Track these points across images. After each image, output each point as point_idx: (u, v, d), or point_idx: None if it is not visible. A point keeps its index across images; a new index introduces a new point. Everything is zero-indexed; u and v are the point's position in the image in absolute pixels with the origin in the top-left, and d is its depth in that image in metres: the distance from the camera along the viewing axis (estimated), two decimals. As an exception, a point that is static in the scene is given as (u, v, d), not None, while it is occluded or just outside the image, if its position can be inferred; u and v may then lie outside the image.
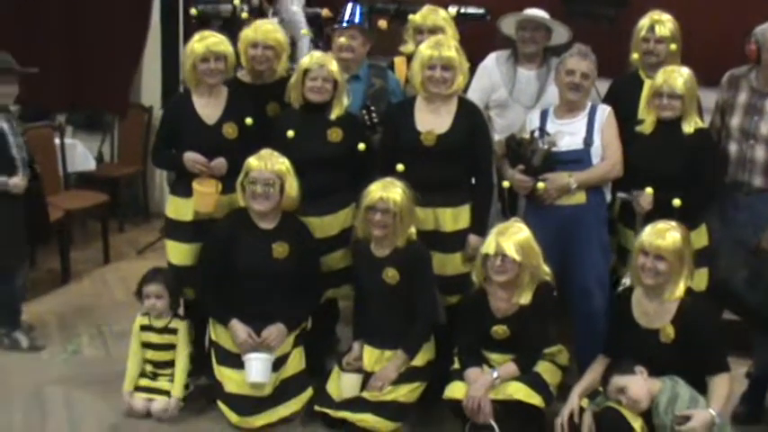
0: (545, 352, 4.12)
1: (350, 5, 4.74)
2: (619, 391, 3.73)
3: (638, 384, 3.70)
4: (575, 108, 4.37)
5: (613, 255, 4.47)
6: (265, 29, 4.60)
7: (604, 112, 4.39)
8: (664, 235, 3.75)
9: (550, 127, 4.36)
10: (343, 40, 4.65)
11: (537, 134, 4.33)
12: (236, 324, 4.22)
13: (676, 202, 4.09)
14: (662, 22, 4.53)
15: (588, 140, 4.33)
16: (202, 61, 4.35)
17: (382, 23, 4.88)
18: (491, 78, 4.77)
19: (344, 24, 4.69)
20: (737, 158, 4.50)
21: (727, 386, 3.75)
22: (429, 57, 4.23)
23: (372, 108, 4.53)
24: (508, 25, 4.80)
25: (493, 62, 4.82)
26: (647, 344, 3.80)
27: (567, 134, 4.33)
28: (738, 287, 4.34)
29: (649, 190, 4.17)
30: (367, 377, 4.19)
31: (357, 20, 4.69)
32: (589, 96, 4.46)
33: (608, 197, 4.40)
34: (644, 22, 4.56)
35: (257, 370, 4.14)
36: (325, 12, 5.16)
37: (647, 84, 4.44)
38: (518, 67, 4.75)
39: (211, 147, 4.36)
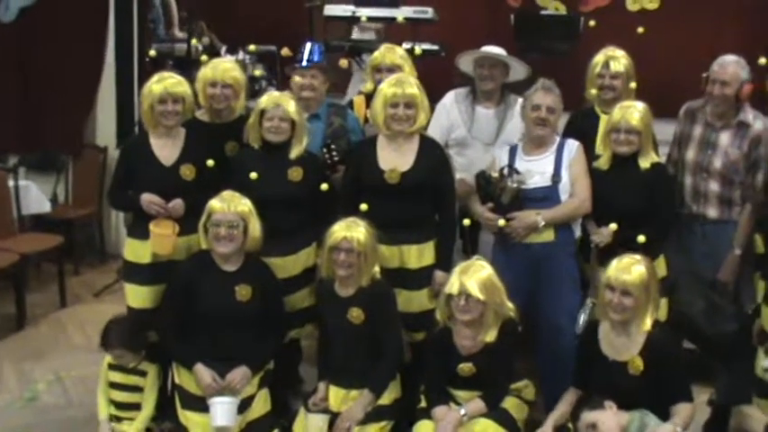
0: (511, 387, 4.12)
1: (309, 44, 4.77)
2: (589, 426, 3.74)
3: (608, 419, 3.72)
4: (543, 144, 4.40)
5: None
6: (224, 67, 4.60)
7: (573, 146, 4.41)
8: (629, 269, 3.77)
9: (519, 163, 4.38)
10: (303, 79, 4.67)
11: (506, 172, 4.35)
12: (200, 368, 4.16)
13: (641, 238, 4.12)
14: (616, 58, 4.60)
15: (556, 177, 4.36)
16: (160, 103, 4.33)
17: (343, 62, 4.91)
18: (450, 117, 4.81)
19: (305, 64, 4.71)
20: (692, 191, 4.61)
21: (690, 412, 3.81)
22: (392, 95, 4.25)
23: (333, 146, 4.53)
24: (466, 63, 4.84)
25: (451, 100, 4.86)
26: (617, 376, 3.83)
27: (536, 172, 4.35)
28: (697, 318, 4.40)
29: (613, 226, 4.22)
30: (333, 418, 4.15)
31: (317, 58, 4.72)
32: (556, 130, 4.50)
33: (577, 233, 4.42)
34: (598, 58, 4.63)
35: (223, 413, 4.08)
36: (284, 51, 5.17)
37: (604, 119, 4.50)
38: (476, 105, 4.79)
39: (169, 188, 4.33)
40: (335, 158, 4.50)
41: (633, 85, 4.60)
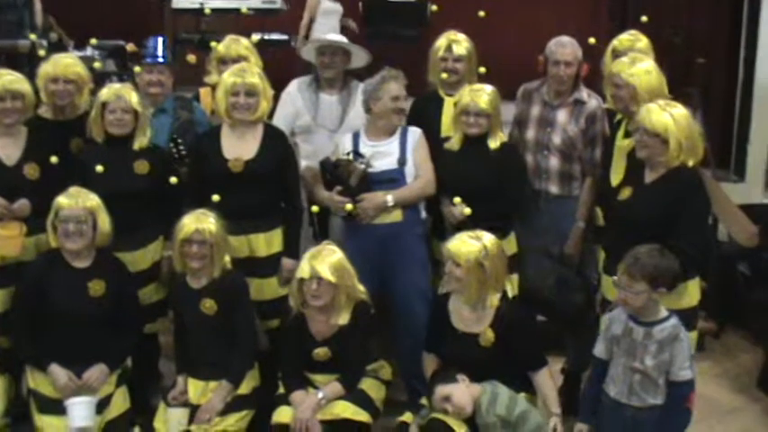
0: (368, 368, 4.20)
1: (153, 40, 4.74)
2: (443, 399, 3.87)
3: (461, 391, 3.87)
4: (389, 130, 4.50)
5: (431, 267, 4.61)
6: (65, 63, 4.53)
7: (415, 133, 4.53)
8: (462, 242, 3.92)
9: (364, 149, 4.47)
10: (150, 75, 4.66)
11: (352, 156, 4.43)
12: (55, 368, 4.11)
13: (467, 210, 4.27)
14: (458, 42, 4.71)
15: (402, 160, 4.46)
16: None
17: (191, 58, 4.88)
18: (294, 105, 4.86)
19: (150, 60, 4.69)
20: (534, 169, 4.75)
21: (550, 378, 4.03)
22: (233, 84, 4.28)
23: (180, 140, 4.52)
24: (308, 51, 4.89)
25: (295, 89, 4.91)
26: (469, 348, 3.97)
27: (382, 155, 4.45)
28: (546, 292, 4.54)
29: (457, 199, 4.33)
30: (194, 410, 4.14)
31: (162, 54, 4.70)
32: None
33: (423, 214, 4.54)
34: (441, 42, 4.73)
35: (80, 414, 4.04)
36: (129, 47, 5.11)
37: (448, 102, 4.61)
38: (320, 93, 4.85)
39: (12, 188, 4.23)
40: (183, 152, 4.49)
41: (483, 69, 4.72)
